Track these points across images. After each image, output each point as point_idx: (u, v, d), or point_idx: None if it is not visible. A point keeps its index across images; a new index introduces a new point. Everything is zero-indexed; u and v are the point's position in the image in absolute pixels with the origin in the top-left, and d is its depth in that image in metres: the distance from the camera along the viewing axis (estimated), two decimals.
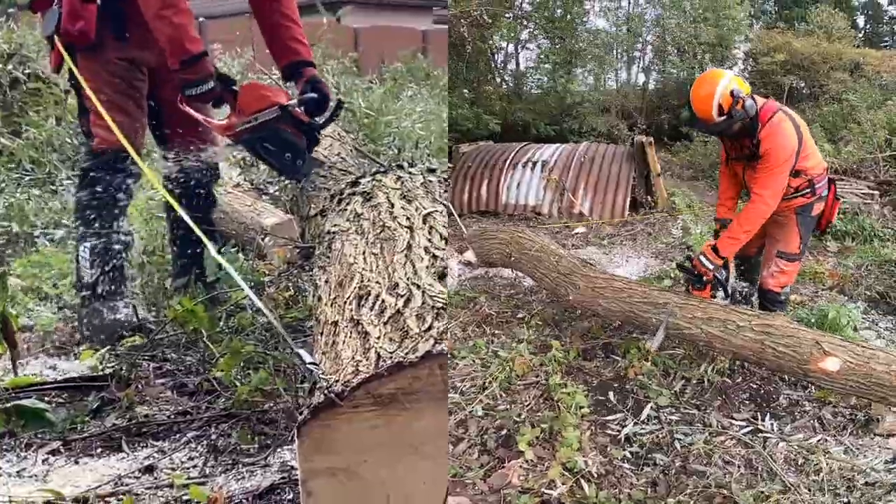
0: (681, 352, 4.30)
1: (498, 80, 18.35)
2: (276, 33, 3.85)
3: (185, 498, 2.47)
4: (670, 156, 15.07)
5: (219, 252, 3.92)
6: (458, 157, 10.65)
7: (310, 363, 2.07)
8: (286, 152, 3.49)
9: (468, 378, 4.06)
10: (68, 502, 2.44)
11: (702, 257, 4.18)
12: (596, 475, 3.12)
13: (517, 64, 19.50)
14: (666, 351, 4.24)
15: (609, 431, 3.56)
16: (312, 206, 3.42)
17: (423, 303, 2.12)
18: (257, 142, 3.49)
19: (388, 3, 16.00)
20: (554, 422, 3.43)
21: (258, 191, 6.40)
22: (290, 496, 2.48)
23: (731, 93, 3.93)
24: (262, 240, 5.01)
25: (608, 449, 3.36)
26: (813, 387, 3.81)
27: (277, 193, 6.34)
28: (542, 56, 18.79)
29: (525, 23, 18.25)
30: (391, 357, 1.86)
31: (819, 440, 3.44)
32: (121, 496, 2.48)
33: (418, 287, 2.20)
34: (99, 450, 2.85)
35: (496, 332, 4.91)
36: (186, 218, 3.01)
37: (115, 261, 3.83)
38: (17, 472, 2.66)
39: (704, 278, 4.20)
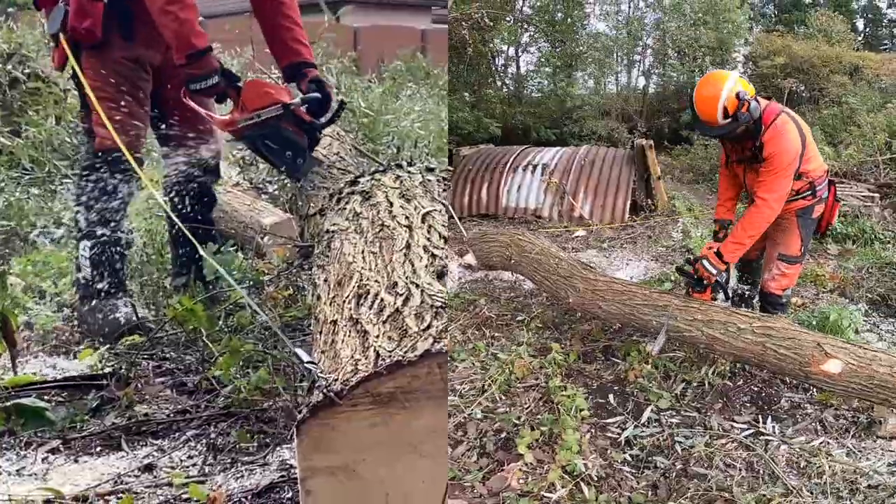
0: (681, 354, 4.27)
1: (499, 83, 18.35)
2: (277, 34, 3.86)
3: (184, 496, 2.47)
4: (670, 159, 15.06)
5: (218, 251, 3.94)
6: (458, 160, 10.64)
7: (308, 362, 2.07)
8: (287, 150, 3.50)
9: (467, 381, 4.04)
10: (68, 501, 2.44)
11: (704, 262, 4.10)
12: (596, 478, 3.09)
13: (517, 67, 19.53)
14: (666, 354, 4.21)
15: (609, 434, 3.54)
16: (311, 205, 3.42)
17: (421, 302, 2.12)
18: (259, 139, 3.50)
19: (388, 2, 16.00)
20: (553, 424, 3.39)
21: (257, 190, 6.41)
22: (289, 495, 2.48)
23: (737, 95, 3.85)
24: (262, 239, 5.02)
25: (608, 452, 3.34)
26: (815, 389, 3.79)
27: (276, 192, 6.35)
28: (542, 59, 18.81)
29: (525, 26, 18.27)
30: (390, 356, 1.86)
31: (821, 443, 3.41)
32: (120, 495, 2.48)
33: (417, 286, 2.21)
34: (98, 448, 2.85)
35: (496, 334, 4.89)
36: (177, 222, 3.01)
37: (115, 259, 3.84)
38: (17, 470, 2.67)
39: (706, 282, 4.14)
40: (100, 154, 3.77)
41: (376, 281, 2.34)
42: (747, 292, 4.67)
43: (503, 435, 3.45)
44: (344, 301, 2.33)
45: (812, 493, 2.98)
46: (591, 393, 3.95)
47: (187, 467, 2.73)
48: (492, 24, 13.18)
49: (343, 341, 2.13)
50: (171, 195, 4.10)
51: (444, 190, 3.18)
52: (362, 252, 2.59)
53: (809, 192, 4.16)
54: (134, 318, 3.85)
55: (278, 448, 2.82)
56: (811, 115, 13.70)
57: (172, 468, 2.71)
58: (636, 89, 20.67)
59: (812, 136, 4.21)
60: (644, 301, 4.23)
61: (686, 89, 16.45)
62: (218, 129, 3.79)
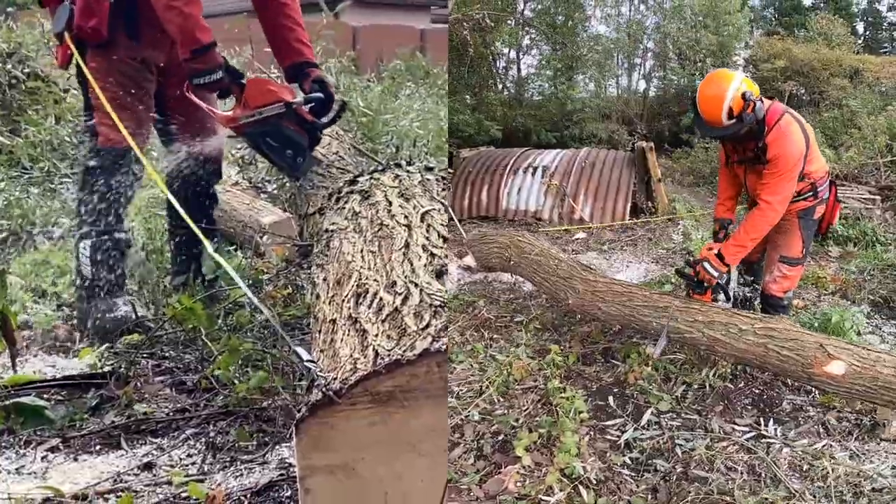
0: (682, 356, 4.22)
1: (499, 86, 18.37)
2: (279, 34, 3.87)
3: (183, 495, 2.47)
4: (671, 162, 15.06)
5: (216, 250, 3.95)
6: (458, 163, 10.64)
7: (308, 361, 2.08)
8: (287, 149, 3.51)
9: (465, 382, 4.00)
10: (67, 499, 2.45)
11: (705, 264, 4.02)
12: (595, 481, 3.04)
13: (518, 70, 19.55)
14: (667, 356, 4.17)
15: (608, 437, 3.49)
16: (311, 204, 3.43)
17: (420, 301, 2.12)
18: (260, 136, 3.51)
19: (387, 1, 16.00)
20: (552, 427, 3.34)
21: (256, 189, 6.42)
22: (288, 493, 2.48)
23: (743, 95, 3.76)
24: (261, 238, 5.03)
25: (607, 455, 3.30)
26: (817, 391, 3.76)
27: (276, 192, 6.36)
28: (543, 62, 18.82)
29: (527, 29, 18.28)
30: (389, 355, 1.87)
31: (824, 445, 3.37)
32: (120, 493, 2.49)
33: (416, 285, 2.21)
34: (98, 447, 2.86)
35: (495, 336, 4.86)
36: (186, 218, 3.03)
37: (115, 258, 3.85)
38: (17, 469, 2.67)
39: (706, 284, 4.08)
40: (102, 152, 3.78)
41: (375, 280, 2.34)
42: (748, 295, 4.61)
43: (501, 437, 3.41)
44: (343, 300, 2.34)
45: (815, 496, 2.94)
46: (591, 395, 3.90)
47: (187, 466, 2.73)
48: (493, 24, 13.17)
49: (342, 340, 2.14)
50: (173, 194, 4.10)
51: (444, 189, 3.18)
52: (361, 251, 2.59)
53: (811, 193, 4.11)
54: (133, 317, 3.86)
55: (277, 447, 2.83)
56: (811, 118, 13.66)
57: (172, 467, 2.71)
58: (636, 92, 20.71)
59: (815, 137, 4.16)
60: (644, 302, 4.17)
61: (686, 93, 16.50)
62: (220, 124, 3.80)
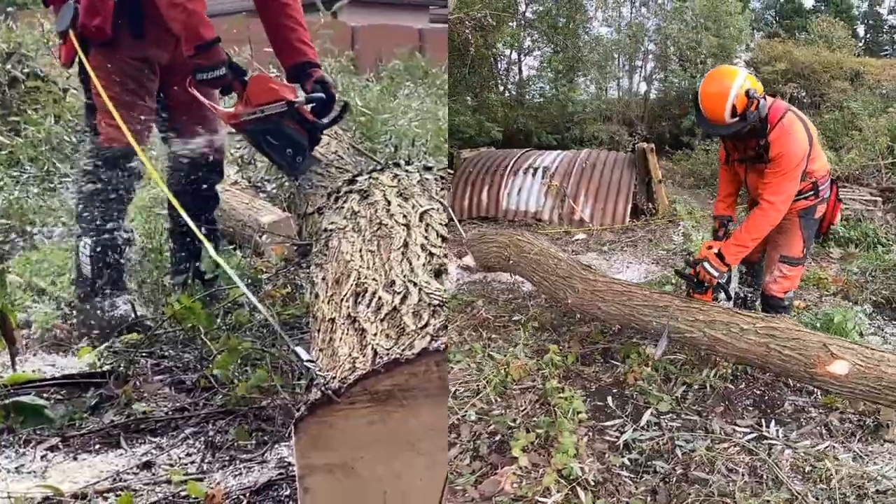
0: (682, 357, 4.19)
1: (501, 87, 18.37)
2: (282, 34, 3.88)
3: (182, 494, 2.48)
4: (672, 164, 15.08)
5: (216, 250, 3.95)
6: (459, 163, 10.63)
7: (307, 360, 2.08)
8: (287, 148, 3.53)
9: (462, 382, 3.96)
10: (67, 498, 2.45)
11: (706, 264, 3.96)
12: (593, 483, 2.99)
13: (520, 71, 19.55)
14: (667, 356, 4.12)
15: (607, 438, 3.45)
16: (309, 203, 3.43)
17: (419, 300, 2.13)
18: (260, 134, 3.52)
19: (386, 1, 15.98)
20: (550, 427, 3.29)
21: (255, 188, 6.42)
22: (288, 492, 2.49)
23: (747, 93, 3.69)
24: (260, 237, 5.03)
25: (606, 456, 3.25)
26: (819, 392, 3.73)
27: (275, 191, 6.36)
28: (544, 63, 18.82)
29: (528, 30, 18.28)
30: (388, 354, 1.87)
31: (826, 447, 3.33)
32: (119, 492, 2.49)
33: (415, 284, 2.22)
34: (97, 446, 2.87)
35: (493, 336, 4.83)
36: (186, 218, 3.03)
37: (115, 257, 3.85)
38: (16, 468, 2.68)
39: (706, 284, 4.02)
40: (103, 151, 3.78)
41: (374, 279, 2.35)
42: (749, 295, 4.56)
43: (497, 437, 3.38)
44: (342, 299, 2.34)
45: (818, 498, 2.92)
46: (590, 395, 3.87)
47: (186, 465, 2.73)
48: (495, 24, 13.17)
49: (341, 339, 2.14)
50: (174, 193, 4.11)
51: (442, 189, 3.18)
52: (360, 250, 2.60)
53: (812, 193, 4.06)
54: (133, 316, 3.87)
55: (276, 446, 2.83)
56: (812, 120, 13.65)
57: (171, 466, 2.72)
58: (637, 95, 20.73)
59: (817, 136, 4.11)
60: (644, 301, 4.13)
61: (687, 95, 16.50)
62: (221, 120, 3.80)
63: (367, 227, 2.77)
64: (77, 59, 3.74)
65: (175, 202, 3.28)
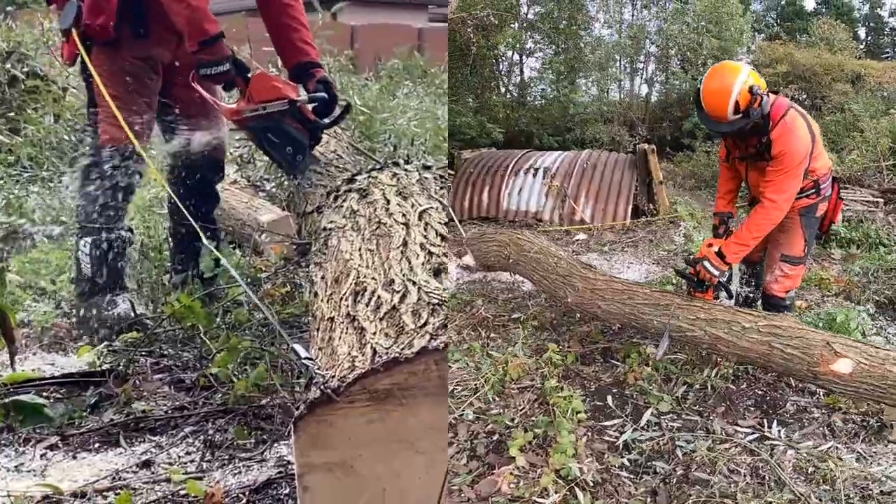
0: (683, 356, 4.15)
1: (502, 88, 18.38)
2: (284, 34, 3.89)
3: (182, 492, 2.48)
4: (673, 166, 15.09)
5: (217, 249, 3.96)
6: (460, 163, 10.62)
7: (306, 359, 2.09)
8: (288, 146, 3.54)
9: (461, 381, 3.94)
10: (66, 497, 2.45)
11: (706, 263, 3.89)
12: (591, 483, 2.94)
13: (521, 72, 19.58)
14: (667, 356, 4.07)
15: (607, 438, 3.41)
16: (309, 202, 3.44)
17: (418, 299, 2.13)
18: (261, 131, 3.54)
19: (385, 0, 15.98)
20: (548, 427, 3.25)
21: (255, 187, 6.42)
22: (287, 491, 2.49)
23: (751, 89, 3.62)
24: (259, 236, 5.03)
25: (605, 456, 3.20)
26: (821, 392, 3.69)
27: (274, 190, 6.36)
28: (545, 65, 18.84)
29: (530, 33, 18.30)
30: (387, 353, 1.88)
31: (830, 448, 3.28)
32: (118, 491, 2.49)
33: (414, 283, 2.22)
34: (97, 445, 2.87)
35: (492, 335, 4.81)
36: (188, 216, 3.04)
37: (115, 256, 3.85)
38: (16, 466, 2.68)
39: (707, 283, 3.97)
40: (104, 150, 3.79)
41: (373, 278, 2.35)
42: (751, 295, 4.51)
43: (495, 437, 3.34)
44: (341, 298, 2.35)
45: (821, 500, 2.88)
46: (589, 395, 3.83)
47: (185, 463, 2.74)
48: (497, 23, 13.17)
49: (340, 338, 2.15)
50: (175, 193, 4.12)
51: (442, 188, 3.19)
52: (359, 249, 2.60)
53: (814, 191, 4.02)
54: (132, 315, 3.87)
55: (276, 444, 2.84)
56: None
57: (170, 464, 2.72)
58: (639, 97, 20.76)
59: (819, 133, 4.04)
60: (645, 300, 4.07)
61: (688, 97, 16.52)
62: (223, 116, 3.81)
63: (367, 225, 2.77)
64: (79, 58, 3.74)
65: (176, 199, 3.28)
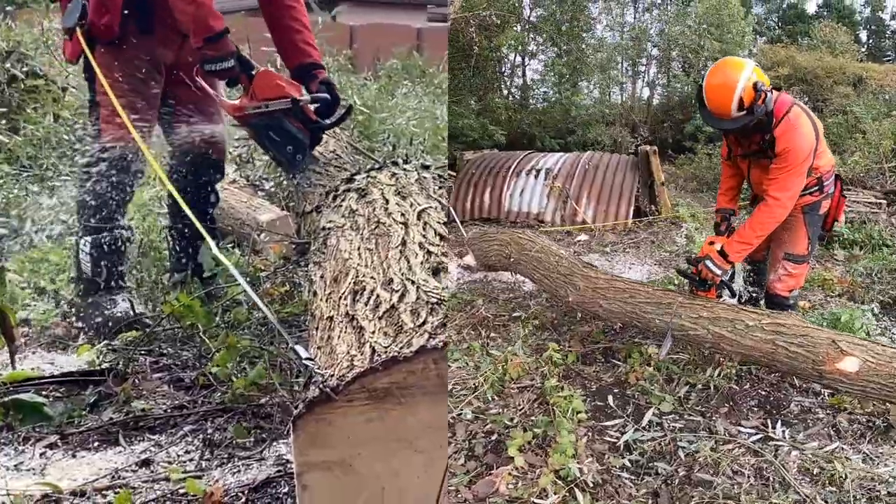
0: (685, 356, 4.12)
1: (505, 91, 18.40)
2: (286, 35, 3.89)
3: (181, 491, 2.49)
4: (674, 168, 15.15)
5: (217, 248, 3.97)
6: (461, 164, 10.63)
7: (305, 358, 2.09)
8: (288, 145, 3.55)
9: (460, 381, 3.91)
10: (66, 496, 2.46)
11: (708, 262, 3.86)
12: (591, 484, 2.91)
13: (523, 75, 19.61)
14: (669, 356, 4.02)
15: (607, 438, 3.37)
16: (308, 202, 3.44)
17: (417, 298, 2.13)
18: (263, 128, 3.55)
19: (384, 0, 15.98)
20: (548, 427, 3.22)
21: (254, 187, 6.42)
22: (286, 489, 2.49)
23: (755, 86, 3.57)
24: (258, 235, 5.04)
25: (606, 457, 3.17)
26: (826, 392, 3.66)
27: (273, 189, 6.36)
28: (548, 67, 18.86)
29: (532, 35, 18.32)
30: (386, 352, 1.88)
31: (835, 448, 3.25)
32: (117, 490, 2.49)
33: (413, 282, 2.22)
34: (96, 444, 2.87)
35: (492, 334, 4.80)
36: (189, 214, 3.04)
37: (115, 255, 3.86)
38: (15, 465, 2.68)
39: (709, 282, 3.93)
40: (105, 149, 3.79)
41: (372, 277, 2.35)
42: (754, 294, 4.46)
43: (494, 437, 3.31)
44: (340, 297, 2.35)
45: (827, 501, 2.85)
46: (590, 395, 3.80)
47: (184, 462, 2.74)
48: (499, 23, 13.17)
49: (339, 337, 2.15)
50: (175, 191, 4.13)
51: (440, 187, 3.19)
52: (358, 249, 2.60)
53: (817, 188, 3.98)
54: (132, 314, 3.87)
55: (275, 443, 2.84)
56: None
57: (170, 463, 2.72)
58: (641, 100, 20.81)
59: (822, 130, 4.00)
60: (647, 299, 4.02)
61: (690, 100, 16.52)
62: (226, 112, 3.82)
63: (366, 225, 2.77)
64: (82, 57, 3.74)
65: (180, 200, 3.28)
